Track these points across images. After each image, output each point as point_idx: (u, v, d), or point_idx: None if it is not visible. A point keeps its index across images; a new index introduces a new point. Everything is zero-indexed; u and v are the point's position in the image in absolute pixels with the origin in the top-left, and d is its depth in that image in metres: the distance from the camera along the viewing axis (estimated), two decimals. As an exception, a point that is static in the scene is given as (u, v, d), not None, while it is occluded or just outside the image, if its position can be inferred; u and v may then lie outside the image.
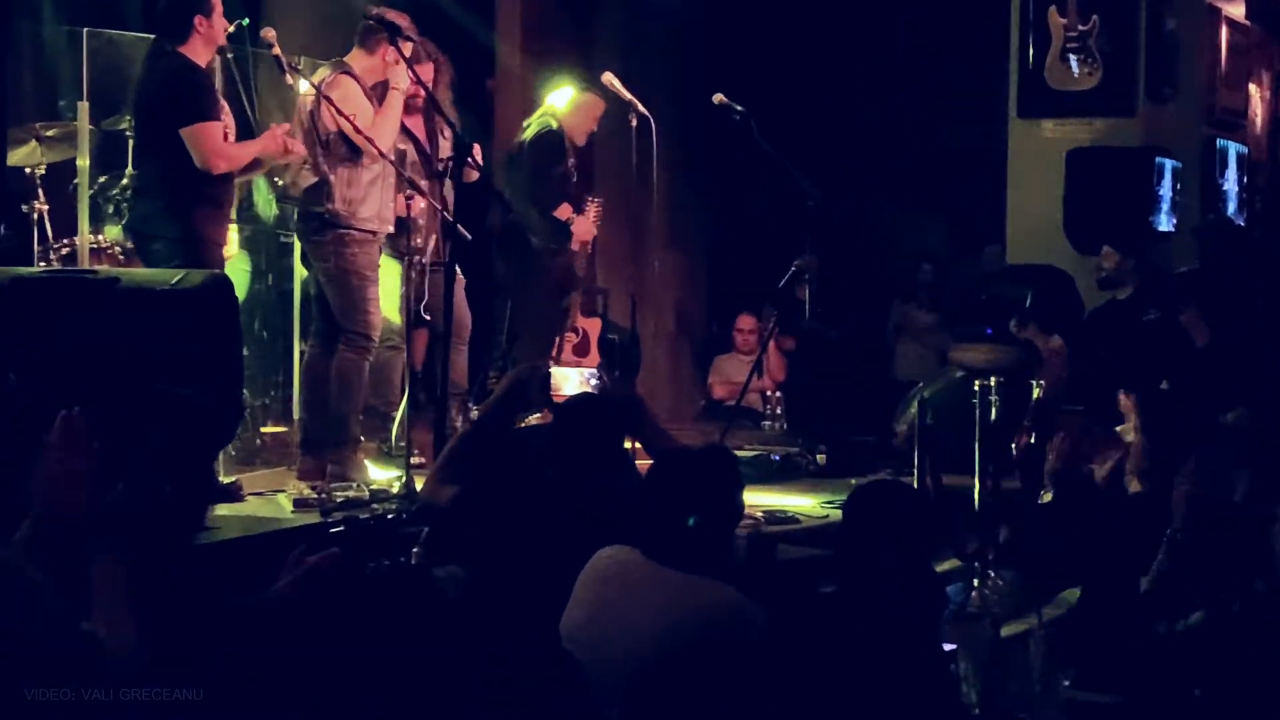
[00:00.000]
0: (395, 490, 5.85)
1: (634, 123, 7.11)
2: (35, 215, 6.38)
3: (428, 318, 6.61)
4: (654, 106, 7.18)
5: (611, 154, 7.51)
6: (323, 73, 6.33)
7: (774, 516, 6.18)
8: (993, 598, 5.90)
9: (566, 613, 3.48)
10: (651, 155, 7.11)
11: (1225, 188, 10.09)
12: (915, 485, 6.18)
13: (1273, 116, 11.18)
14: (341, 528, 5.31)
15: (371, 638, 2.51)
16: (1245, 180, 10.42)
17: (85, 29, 6.87)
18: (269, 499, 5.82)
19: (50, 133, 6.56)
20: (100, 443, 2.55)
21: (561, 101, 7.38)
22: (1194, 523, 5.71)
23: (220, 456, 5.70)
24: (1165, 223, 9.19)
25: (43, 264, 6.29)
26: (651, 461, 4.07)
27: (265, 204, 7.22)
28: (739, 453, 5.81)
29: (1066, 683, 3.76)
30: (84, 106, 6.34)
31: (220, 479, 5.57)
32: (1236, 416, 6.11)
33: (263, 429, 7.03)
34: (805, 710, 3.16)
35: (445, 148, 6.72)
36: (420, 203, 6.28)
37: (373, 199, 6.25)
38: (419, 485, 5.45)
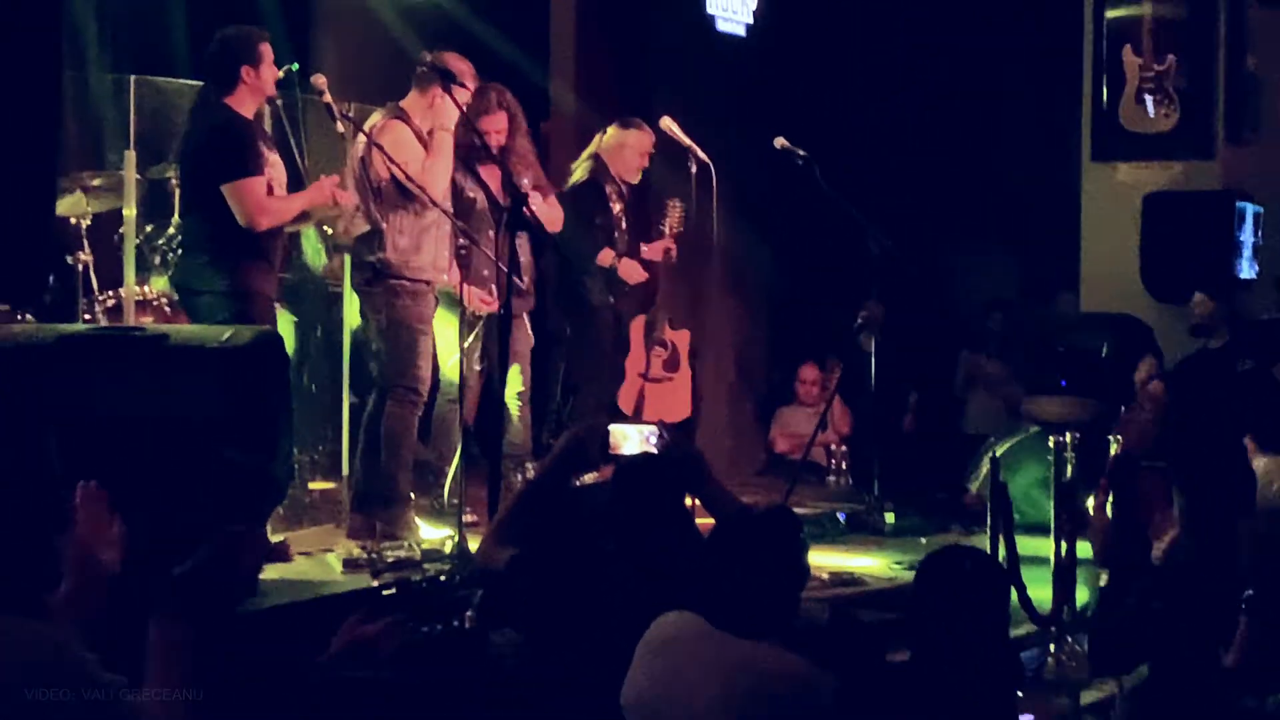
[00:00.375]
0: (448, 550, 5.77)
1: (693, 169, 7.10)
2: (80, 267, 6.34)
3: (478, 368, 6.49)
4: (713, 151, 7.13)
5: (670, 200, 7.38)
6: (375, 118, 6.26)
7: (840, 578, 6.07)
8: (1070, 664, 5.71)
9: (627, 681, 3.41)
10: (711, 201, 7.07)
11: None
12: (988, 548, 5.97)
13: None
14: (393, 589, 5.24)
15: (425, 705, 2.44)
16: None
17: (133, 76, 6.85)
18: (318, 559, 5.74)
19: (96, 182, 6.50)
20: (131, 511, 2.59)
21: (604, 143, 7.25)
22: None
23: (268, 514, 5.61)
24: (1247, 270, 9.06)
25: (87, 317, 6.27)
26: (713, 520, 4.04)
27: (314, 254, 7.17)
28: (803, 510, 5.73)
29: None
30: (131, 155, 6.31)
31: (269, 537, 5.45)
32: None
33: (310, 484, 6.95)
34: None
35: (534, 198, 6.49)
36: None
37: (426, 248, 6.16)
38: (472, 544, 5.43)
